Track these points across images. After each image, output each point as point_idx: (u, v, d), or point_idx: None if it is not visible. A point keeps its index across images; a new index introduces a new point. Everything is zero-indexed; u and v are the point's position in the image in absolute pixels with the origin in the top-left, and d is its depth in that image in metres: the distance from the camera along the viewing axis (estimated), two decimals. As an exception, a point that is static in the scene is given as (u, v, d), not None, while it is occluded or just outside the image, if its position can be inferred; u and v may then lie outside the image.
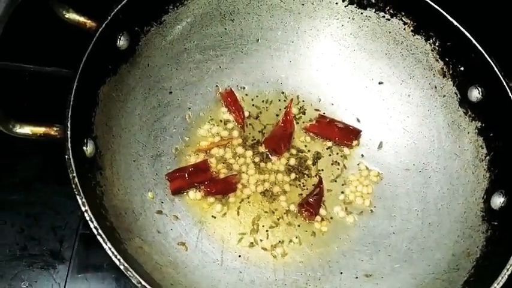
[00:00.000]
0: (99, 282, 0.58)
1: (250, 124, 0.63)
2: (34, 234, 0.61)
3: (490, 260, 0.47)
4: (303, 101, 0.65)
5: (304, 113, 0.64)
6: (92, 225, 0.40)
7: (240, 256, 0.54)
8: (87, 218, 0.40)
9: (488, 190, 0.53)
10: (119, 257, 0.39)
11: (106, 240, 0.40)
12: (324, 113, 0.64)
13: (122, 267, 0.39)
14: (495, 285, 0.43)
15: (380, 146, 0.63)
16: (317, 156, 0.62)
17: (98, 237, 0.40)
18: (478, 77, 0.56)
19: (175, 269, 0.49)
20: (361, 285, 0.53)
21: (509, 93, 0.52)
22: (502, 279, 0.43)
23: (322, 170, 0.61)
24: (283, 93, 0.65)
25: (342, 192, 0.60)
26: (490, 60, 0.54)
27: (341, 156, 0.62)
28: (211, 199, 0.57)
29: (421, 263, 0.53)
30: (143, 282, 0.39)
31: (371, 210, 0.59)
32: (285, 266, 0.54)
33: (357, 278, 0.53)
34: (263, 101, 0.65)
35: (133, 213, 0.50)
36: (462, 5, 0.57)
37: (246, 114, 0.63)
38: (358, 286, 0.53)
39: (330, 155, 0.62)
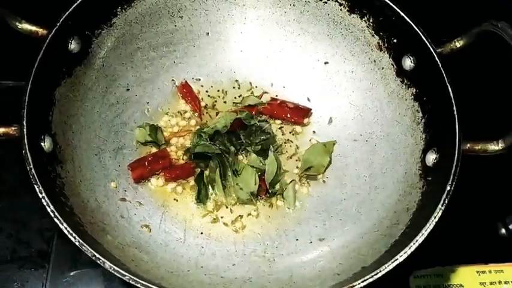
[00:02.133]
0: (87, 279, 0.62)
1: (207, 113, 0.67)
2: (22, 238, 0.65)
3: (423, 211, 0.51)
4: (256, 86, 0.69)
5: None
6: (48, 209, 0.44)
7: (202, 233, 0.58)
8: (44, 204, 0.45)
9: (424, 150, 0.57)
10: (74, 234, 0.43)
11: (62, 221, 0.44)
12: (276, 96, 0.68)
13: (77, 243, 0.43)
14: (423, 231, 0.47)
15: (330, 121, 0.67)
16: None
17: (55, 219, 0.44)
18: (409, 47, 0.60)
19: (138, 248, 0.53)
20: (315, 248, 0.57)
21: (437, 59, 0.56)
22: (430, 225, 0.47)
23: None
24: (236, 81, 0.69)
25: (297, 167, 0.64)
26: (418, 30, 0.58)
27: (293, 134, 0.66)
28: (172, 184, 0.61)
29: (368, 222, 0.57)
30: (97, 255, 0.43)
31: (323, 180, 0.63)
32: (244, 238, 0.58)
33: (311, 242, 0.58)
34: (218, 91, 0.69)
35: (96, 201, 0.54)
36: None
37: (203, 104, 0.67)
38: (312, 249, 0.57)
39: (283, 135, 0.66)
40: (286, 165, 0.64)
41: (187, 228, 0.58)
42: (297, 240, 0.58)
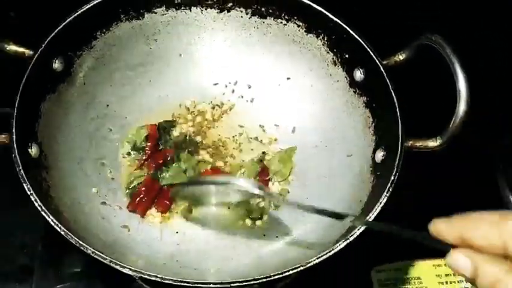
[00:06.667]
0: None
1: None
2: (5, 254, 0.69)
3: (372, 200, 0.57)
4: (229, 100, 0.75)
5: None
6: (36, 205, 0.49)
7: (177, 232, 0.63)
8: (33, 199, 0.50)
9: (374, 149, 0.63)
10: (60, 225, 0.48)
11: (50, 215, 0.49)
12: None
13: (62, 232, 0.48)
14: (370, 215, 0.53)
15: (293, 130, 0.73)
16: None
17: (43, 213, 0.49)
18: (359, 61, 0.67)
19: (119, 245, 0.58)
20: (281, 241, 0.63)
21: (382, 70, 0.63)
22: (377, 210, 0.53)
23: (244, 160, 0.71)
24: (208, 97, 0.75)
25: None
26: (366, 46, 0.65)
27: (260, 142, 0.73)
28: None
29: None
30: (81, 242, 0.48)
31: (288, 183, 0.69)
32: (216, 236, 0.64)
33: (277, 237, 0.63)
34: (194, 107, 0.75)
35: (79, 203, 0.59)
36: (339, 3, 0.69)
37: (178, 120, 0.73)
38: (279, 241, 0.63)
39: (250, 143, 0.72)
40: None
41: (163, 228, 0.63)
42: (264, 235, 0.64)
